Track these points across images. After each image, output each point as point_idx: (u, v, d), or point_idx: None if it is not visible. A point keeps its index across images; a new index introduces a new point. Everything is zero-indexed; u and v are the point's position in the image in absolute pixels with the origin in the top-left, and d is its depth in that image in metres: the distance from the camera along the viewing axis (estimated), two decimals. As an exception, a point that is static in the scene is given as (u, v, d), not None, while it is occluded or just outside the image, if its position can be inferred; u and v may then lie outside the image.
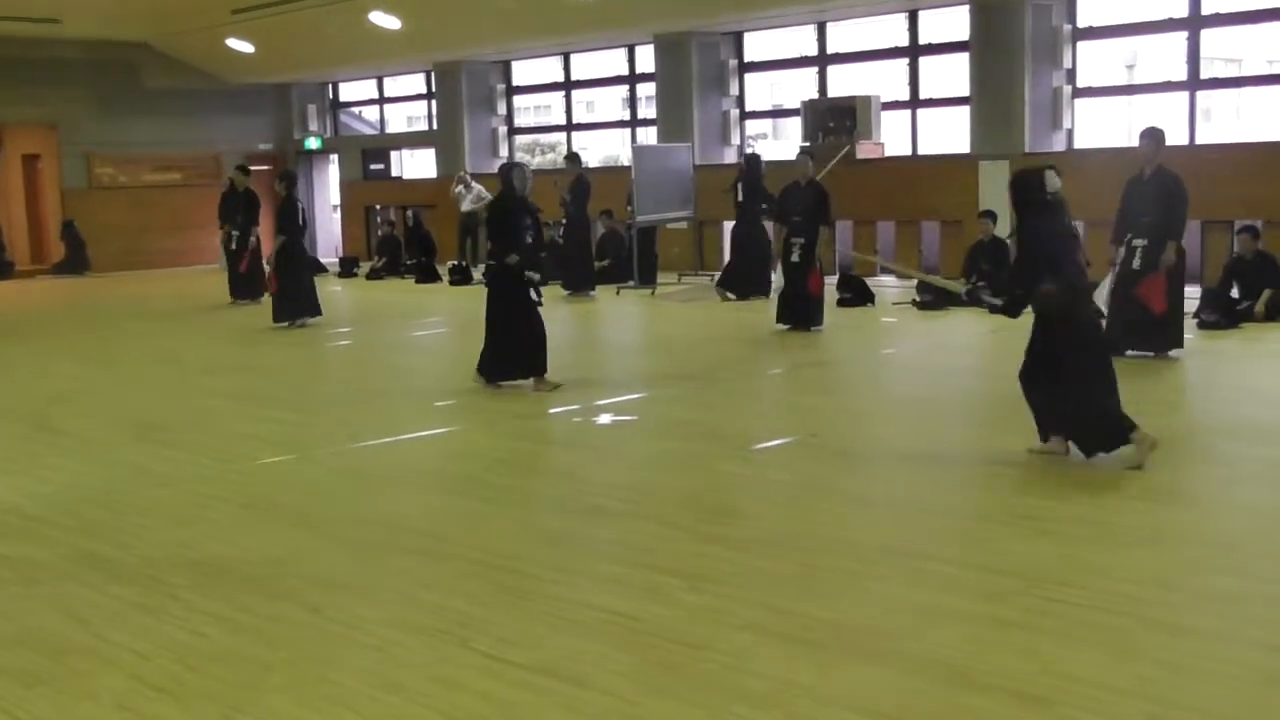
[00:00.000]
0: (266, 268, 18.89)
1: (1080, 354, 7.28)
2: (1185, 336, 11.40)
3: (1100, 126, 19.20)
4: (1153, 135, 11.17)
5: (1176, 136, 17.22)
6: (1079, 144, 18.35)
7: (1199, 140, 17.15)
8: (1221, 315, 12.92)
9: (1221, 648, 4.63)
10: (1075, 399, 7.24)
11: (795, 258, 13.82)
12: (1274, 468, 7.41)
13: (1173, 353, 11.17)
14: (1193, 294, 14.24)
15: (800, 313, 13.85)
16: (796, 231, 13.85)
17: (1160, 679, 4.36)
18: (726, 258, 19.40)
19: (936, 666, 4.52)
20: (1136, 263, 10.98)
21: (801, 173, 14.15)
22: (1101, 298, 11.61)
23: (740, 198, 17.53)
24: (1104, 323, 11.17)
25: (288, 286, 15.72)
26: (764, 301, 16.46)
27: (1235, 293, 13.55)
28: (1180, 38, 17.32)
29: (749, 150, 18.81)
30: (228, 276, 19.42)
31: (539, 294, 10.60)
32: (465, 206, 23.35)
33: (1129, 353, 10.83)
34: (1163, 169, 11.04)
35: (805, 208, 13.86)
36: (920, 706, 4.19)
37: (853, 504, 6.93)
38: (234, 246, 18.91)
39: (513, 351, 10.59)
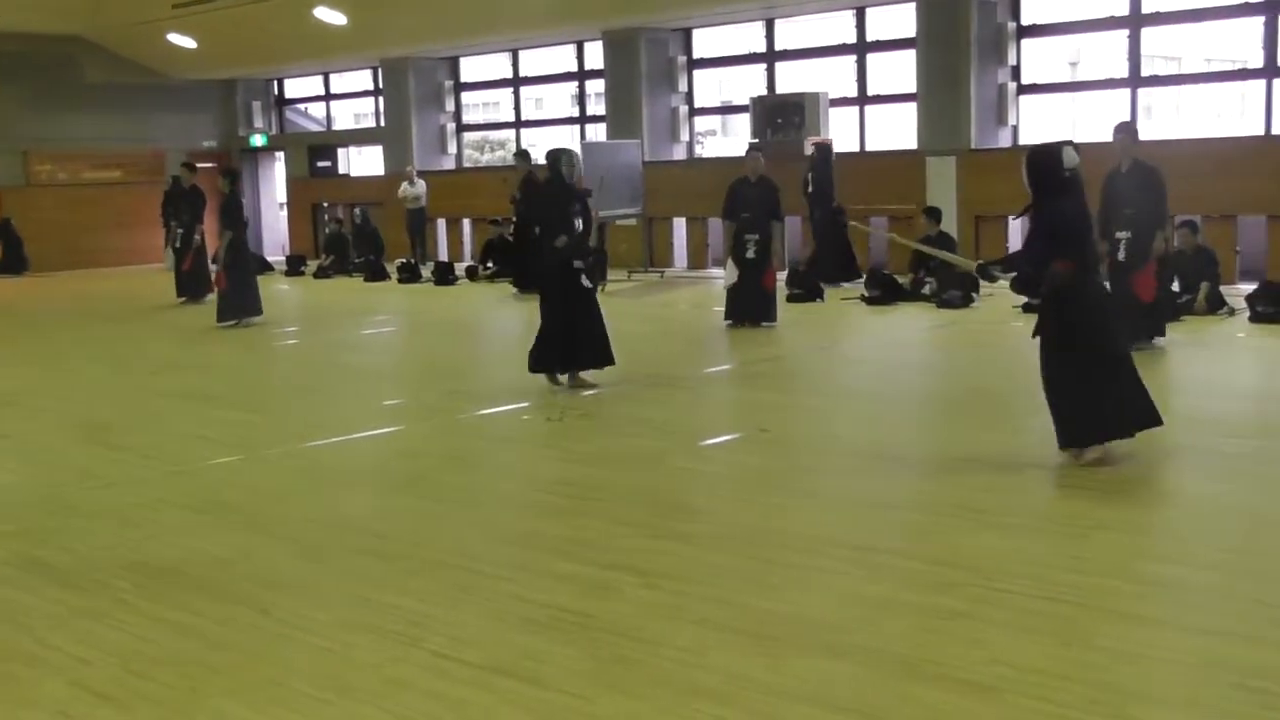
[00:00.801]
0: (214, 267, 18.75)
1: (1072, 349, 7.11)
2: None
3: (1045, 123, 19.37)
4: (1126, 129, 11.32)
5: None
6: (1024, 140, 18.49)
7: (1140, 137, 17.27)
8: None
9: (1162, 634, 4.70)
10: (1056, 389, 7.17)
11: (751, 254, 13.83)
12: (1214, 458, 7.50)
13: (1157, 341, 11.29)
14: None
15: (753, 309, 13.88)
16: (750, 228, 13.87)
17: (1103, 665, 4.41)
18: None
19: (887, 658, 4.55)
20: (1122, 255, 11.10)
21: (751, 169, 14.17)
22: None
23: (810, 189, 17.66)
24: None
25: (234, 285, 15.58)
26: (851, 287, 16.92)
27: (1175, 287, 13.70)
28: (1122, 36, 17.52)
29: (820, 140, 18.71)
30: (174, 275, 19.25)
31: (591, 281, 10.43)
32: (409, 205, 23.27)
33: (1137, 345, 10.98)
34: (1139, 162, 11.16)
35: (756, 204, 13.89)
36: (872, 698, 4.22)
37: (803, 498, 6.95)
38: (178, 245, 18.76)
39: (571, 342, 10.27)
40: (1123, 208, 11.08)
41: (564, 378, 10.38)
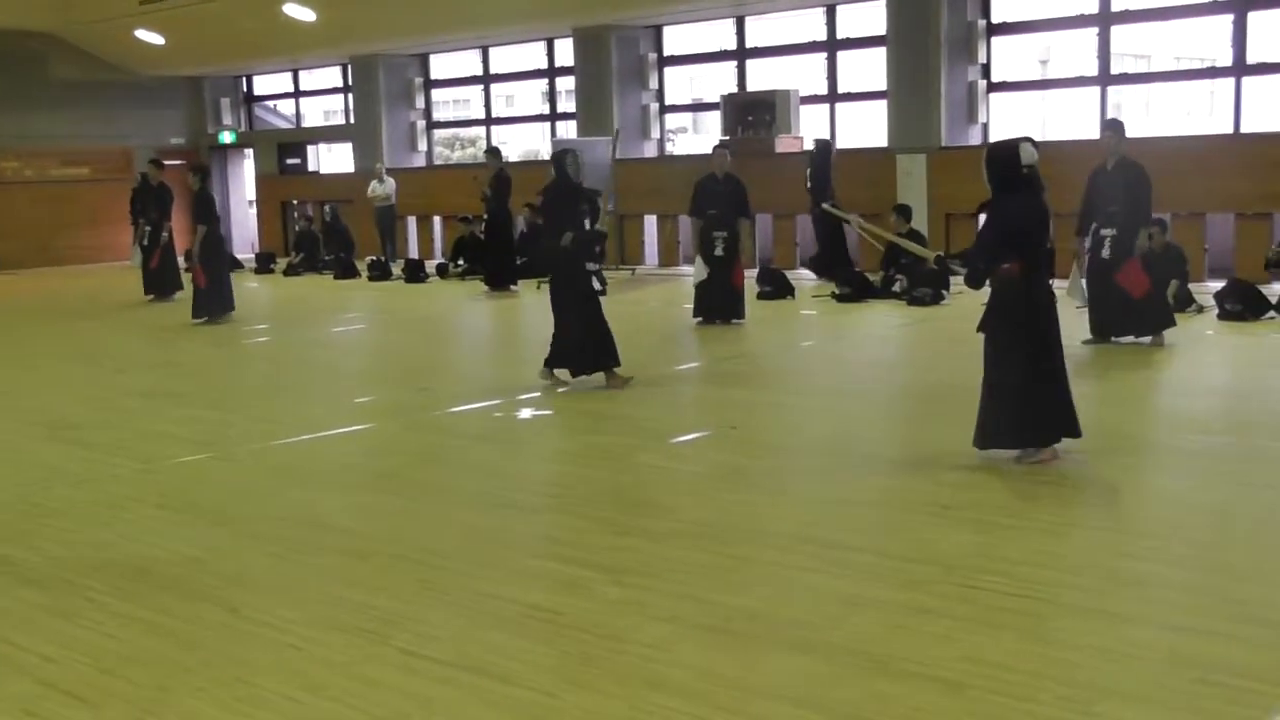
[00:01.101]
0: (182, 262, 18.68)
1: (1018, 349, 7.09)
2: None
3: (1015, 120, 19.46)
4: (1114, 126, 11.38)
5: (1088, 131, 17.55)
6: (994, 138, 18.56)
7: (1127, 134, 17.37)
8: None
9: (1130, 630, 4.72)
10: (1001, 390, 7.16)
11: (719, 251, 13.83)
12: (1182, 455, 7.55)
13: (1166, 333, 11.35)
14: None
15: (721, 306, 13.90)
16: (718, 225, 13.88)
17: (1072, 661, 4.44)
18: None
19: (856, 654, 4.57)
20: (1106, 252, 11.19)
21: (718, 166, 14.17)
22: (1077, 290, 11.80)
23: (810, 185, 17.69)
24: (1084, 312, 11.44)
25: (212, 282, 15.57)
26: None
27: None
28: (1091, 34, 17.62)
29: (819, 138, 18.74)
30: (142, 273, 19.16)
31: (601, 282, 10.31)
32: (379, 203, 23.21)
33: (1115, 339, 11.29)
34: (1125, 159, 11.20)
35: (724, 201, 13.89)
36: (840, 694, 4.23)
37: (772, 495, 6.97)
38: (145, 243, 18.67)
39: (573, 344, 10.20)
40: (1107, 205, 11.14)
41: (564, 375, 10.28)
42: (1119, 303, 11.18)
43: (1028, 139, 7.11)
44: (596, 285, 10.24)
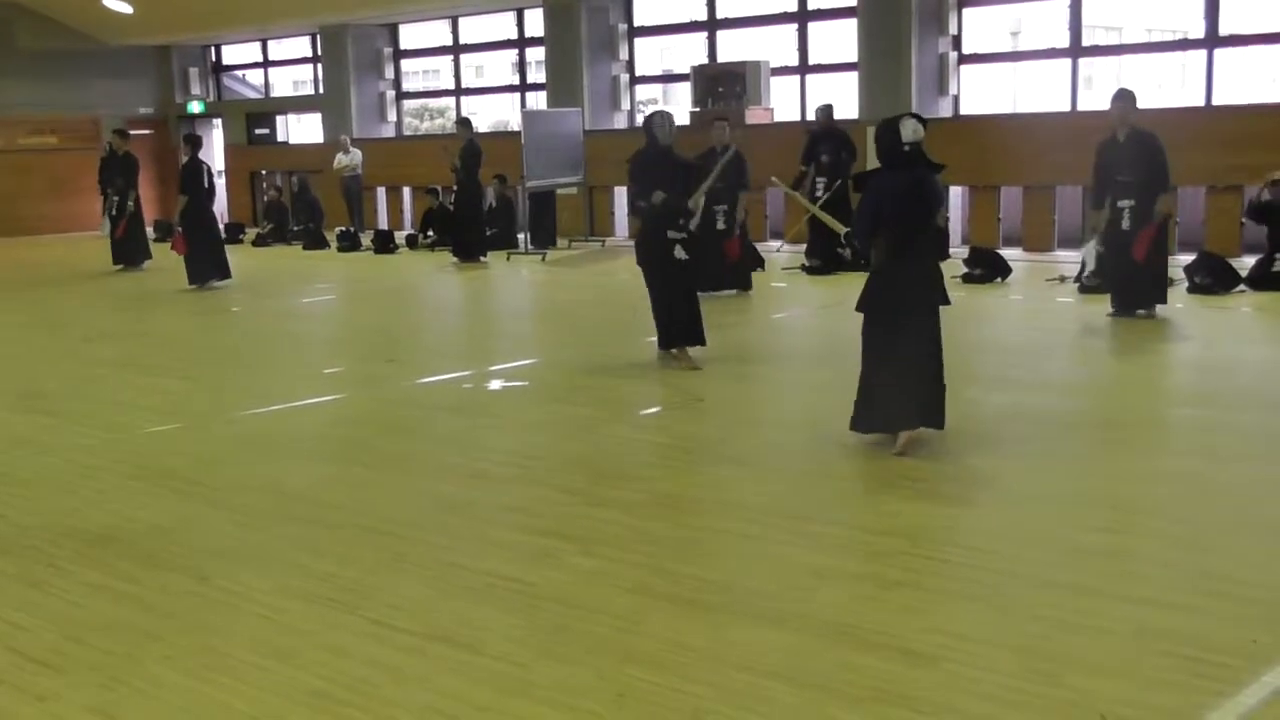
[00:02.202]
0: (151, 232, 18.61)
1: (872, 327, 7.03)
2: (1062, 300, 11.65)
3: (985, 92, 19.47)
4: (1125, 98, 11.21)
5: (1059, 103, 17.60)
6: (965, 110, 18.60)
7: (1080, 107, 17.47)
8: (1104, 279, 13.15)
9: (1098, 603, 4.75)
10: (863, 367, 7.11)
11: (720, 224, 13.64)
12: (1150, 427, 7.60)
13: (1157, 309, 11.38)
14: (1073, 258, 14.56)
15: (716, 276, 13.61)
16: (719, 198, 13.63)
17: (1041, 634, 4.46)
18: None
19: (825, 626, 4.58)
20: (1126, 223, 11.12)
21: (718, 139, 14.03)
22: (1090, 260, 11.80)
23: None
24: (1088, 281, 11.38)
25: (197, 249, 15.63)
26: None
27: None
28: (1063, 5, 17.62)
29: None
30: (109, 242, 19.05)
31: (687, 252, 9.62)
32: (345, 174, 23.07)
33: (1140, 312, 11.27)
34: (1136, 129, 11.12)
35: (724, 174, 13.59)
36: (809, 666, 4.25)
37: (741, 467, 6.98)
38: (114, 212, 18.57)
39: (656, 317, 9.77)
40: (1122, 177, 11.05)
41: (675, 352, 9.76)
42: (1131, 276, 11.17)
43: (914, 116, 6.99)
44: (681, 254, 9.56)
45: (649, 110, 10.03)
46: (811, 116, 18.18)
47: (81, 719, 4.03)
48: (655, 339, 9.87)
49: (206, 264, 15.89)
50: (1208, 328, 11.32)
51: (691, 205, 9.63)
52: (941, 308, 7.05)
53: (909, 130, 6.84)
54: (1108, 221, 11.25)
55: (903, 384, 6.88)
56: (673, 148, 9.77)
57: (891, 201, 6.86)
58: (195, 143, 16.29)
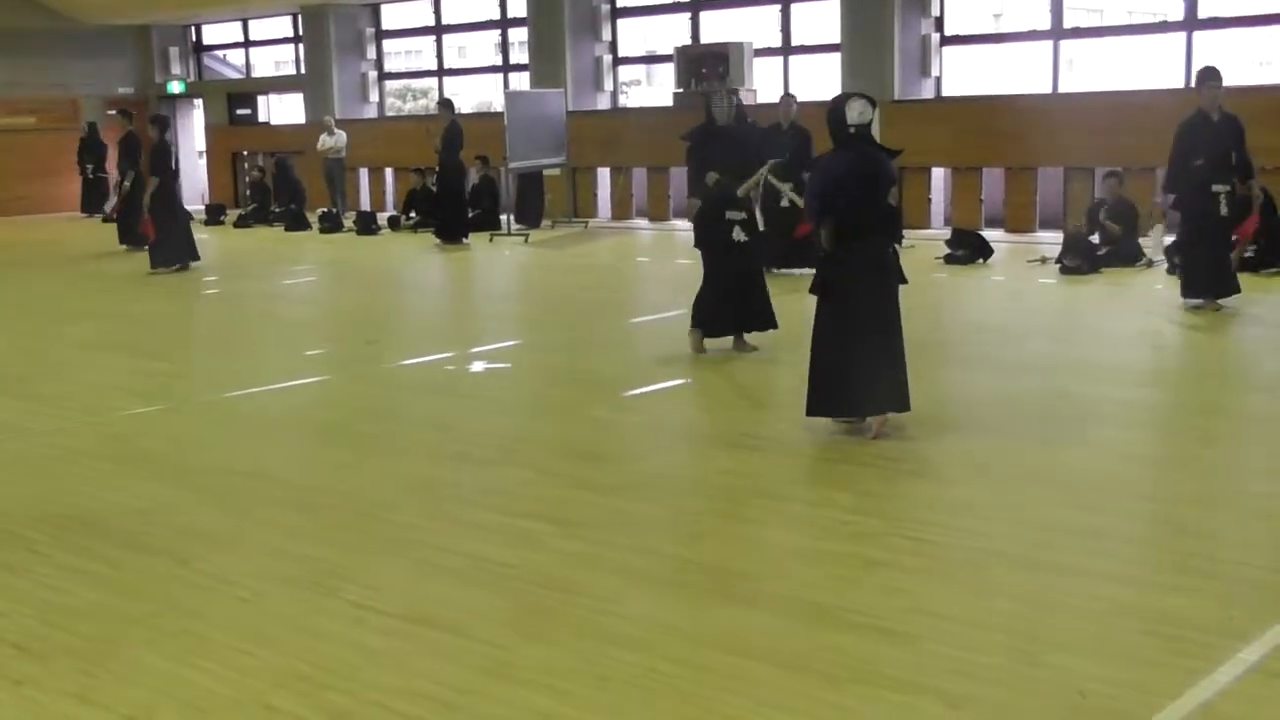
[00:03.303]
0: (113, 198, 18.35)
1: (822, 313, 6.96)
2: (1044, 281, 11.65)
3: (968, 74, 19.46)
4: (1214, 75, 10.59)
5: (1040, 84, 17.61)
6: (947, 91, 18.59)
7: (1062, 89, 17.50)
8: (1083, 260, 13.21)
9: (1074, 581, 4.77)
10: (812, 351, 7.02)
11: (785, 202, 13.35)
12: (1125, 408, 7.62)
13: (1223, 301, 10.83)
14: (1054, 239, 14.61)
15: (784, 255, 13.36)
16: (787, 175, 13.28)
17: (1017, 613, 4.48)
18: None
19: (804, 605, 4.60)
20: (1224, 209, 10.58)
21: (784, 115, 13.91)
22: (1157, 247, 11.64)
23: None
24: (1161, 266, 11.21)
25: (164, 232, 15.51)
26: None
27: (1096, 238, 13.87)
28: (1045, -13, 17.63)
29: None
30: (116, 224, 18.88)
31: (747, 233, 9.11)
32: (330, 156, 22.97)
33: (1221, 301, 10.75)
34: (1225, 110, 10.60)
35: (790, 151, 13.30)
36: (788, 646, 4.26)
37: (722, 448, 6.98)
38: (121, 191, 18.27)
39: (708, 301, 9.31)
40: (1221, 159, 10.48)
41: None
42: (1215, 267, 10.64)
43: (861, 96, 6.86)
44: (740, 236, 9.06)
45: (712, 89, 9.47)
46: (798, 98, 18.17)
47: (60, 704, 4.02)
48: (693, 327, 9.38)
49: (172, 247, 15.68)
50: (1186, 308, 11.34)
51: (740, 193, 9.04)
52: (903, 289, 6.97)
53: (855, 112, 6.74)
54: (1198, 207, 10.53)
55: (860, 368, 6.75)
56: (736, 126, 9.25)
57: (837, 183, 6.77)
58: (163, 124, 16.13)
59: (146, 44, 28.59)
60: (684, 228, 19.43)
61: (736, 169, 9.02)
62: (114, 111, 19.04)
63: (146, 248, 16.09)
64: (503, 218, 19.45)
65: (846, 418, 6.94)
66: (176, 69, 28.94)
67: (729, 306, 9.24)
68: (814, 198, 6.92)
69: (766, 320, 9.30)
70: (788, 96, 14.42)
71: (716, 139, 9.17)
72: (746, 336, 9.31)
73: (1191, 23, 16.51)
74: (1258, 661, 4.05)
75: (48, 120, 26.91)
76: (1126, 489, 6.01)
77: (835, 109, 6.80)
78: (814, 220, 6.94)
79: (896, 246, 7.01)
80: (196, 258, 16.00)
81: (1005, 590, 4.74)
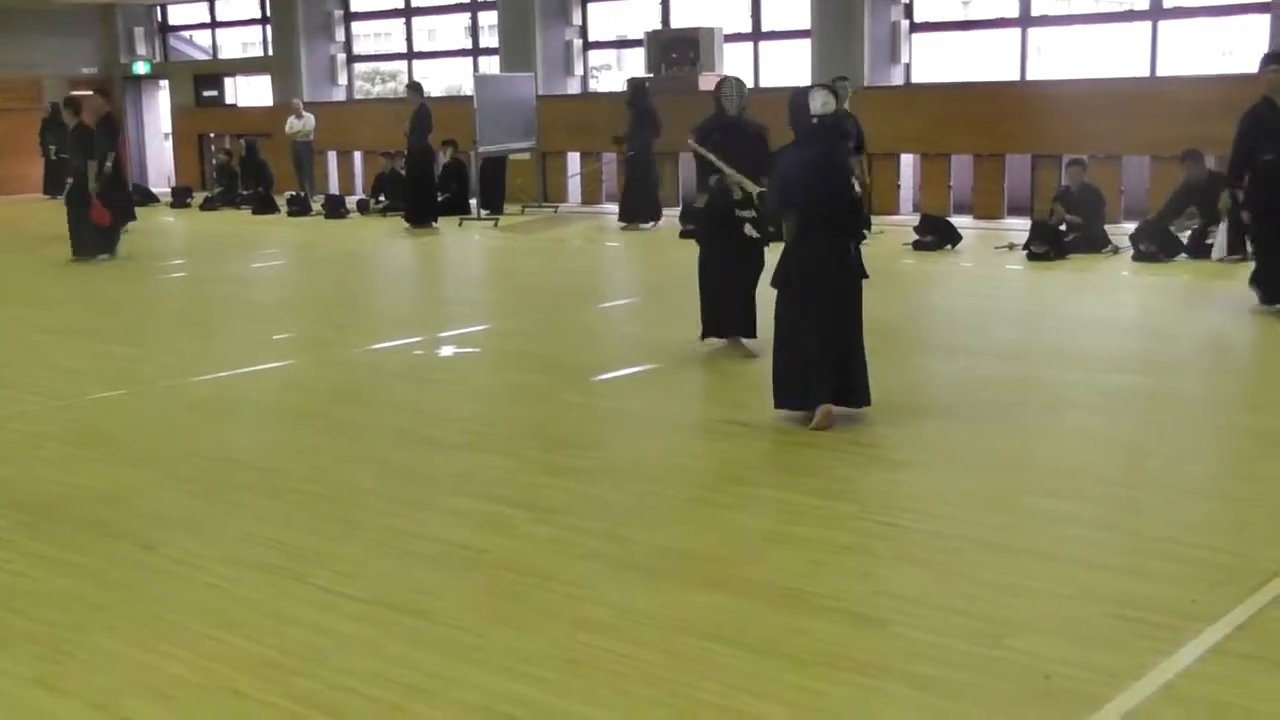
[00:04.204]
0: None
1: (779, 300, 6.93)
2: (1011, 268, 11.69)
3: (937, 61, 19.50)
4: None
5: (1009, 72, 17.66)
6: (916, 78, 18.62)
7: (1030, 76, 17.57)
8: (1050, 246, 13.26)
9: (1043, 566, 4.81)
10: (774, 343, 6.98)
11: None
12: (1094, 393, 7.66)
13: None
14: (1022, 226, 14.67)
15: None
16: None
17: (986, 597, 4.51)
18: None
19: (774, 590, 4.61)
20: None
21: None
22: (1222, 243, 11.47)
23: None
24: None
25: (117, 217, 15.18)
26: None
27: (1063, 226, 13.92)
28: (1014, -25, 17.68)
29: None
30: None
31: (759, 232, 8.52)
32: (299, 139, 22.82)
33: None
34: None
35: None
36: (757, 630, 4.27)
37: (693, 434, 6.99)
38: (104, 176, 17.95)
39: (714, 303, 8.75)
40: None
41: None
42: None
43: (824, 86, 6.78)
44: (751, 233, 8.50)
45: (722, 78, 8.86)
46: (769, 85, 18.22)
47: (24, 691, 3.99)
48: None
49: (118, 231, 15.34)
50: (1151, 295, 11.43)
51: (713, 184, 8.50)
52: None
53: (817, 102, 6.66)
54: (1273, 203, 9.80)
55: (817, 360, 6.70)
56: (743, 117, 8.63)
57: (799, 175, 6.71)
58: (109, 104, 16.04)
59: (111, 24, 28.31)
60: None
61: (750, 165, 8.34)
62: (91, 92, 18.82)
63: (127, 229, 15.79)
64: (472, 202, 19.39)
65: (805, 408, 6.85)
66: (142, 49, 28.66)
67: (724, 307, 8.73)
68: (775, 190, 6.88)
69: (746, 328, 8.70)
70: (843, 81, 13.94)
71: (726, 131, 8.62)
72: (746, 342, 8.75)
73: (1157, 12, 16.60)
74: (1219, 643, 4.10)
75: (10, 100, 26.57)
76: (1092, 474, 6.04)
77: (796, 101, 6.74)
78: (774, 212, 6.90)
79: (864, 238, 6.98)
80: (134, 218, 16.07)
81: (973, 574, 4.76)
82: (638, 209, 17.52)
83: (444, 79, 28.13)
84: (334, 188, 24.18)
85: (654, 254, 15.21)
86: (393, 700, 3.84)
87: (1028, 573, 4.75)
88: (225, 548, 5.20)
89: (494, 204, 19.66)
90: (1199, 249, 12.95)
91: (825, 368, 6.73)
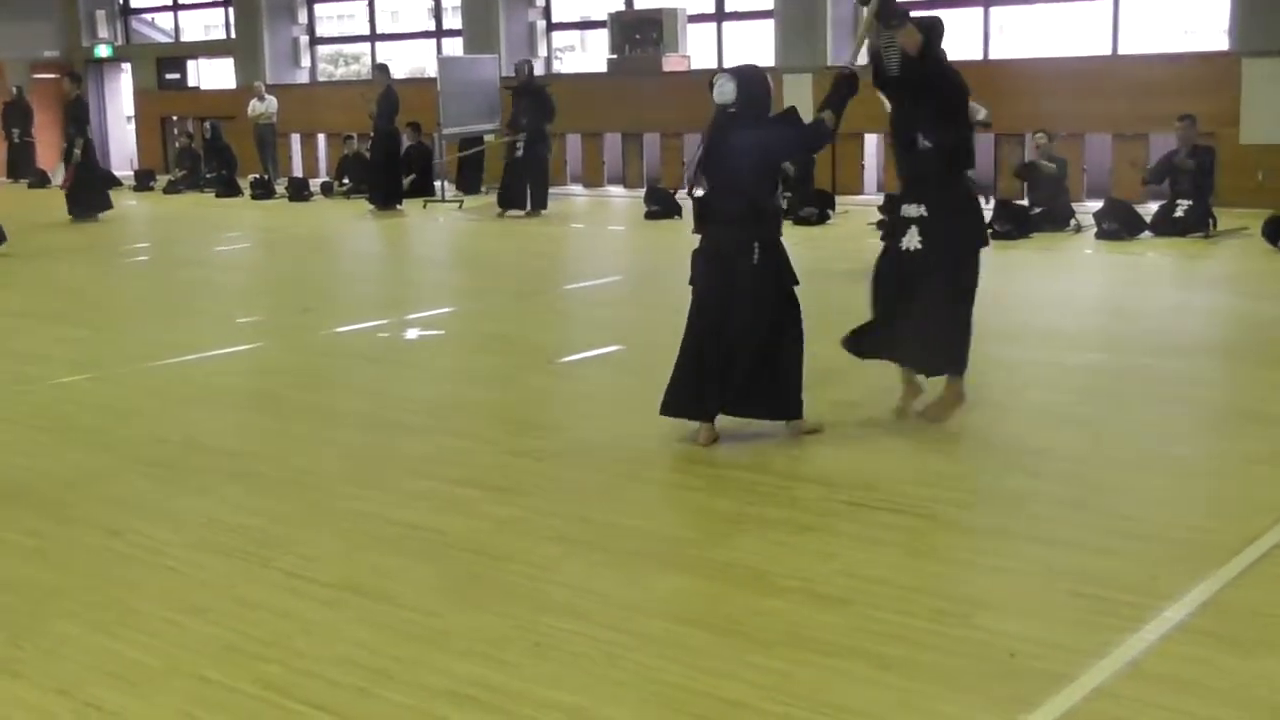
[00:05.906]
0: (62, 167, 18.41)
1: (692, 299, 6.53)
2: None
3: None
4: None
5: (971, 51, 17.69)
6: (881, 58, 18.61)
7: (993, 55, 17.61)
8: (1014, 225, 13.31)
9: (1007, 544, 4.84)
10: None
11: None
12: (1057, 371, 7.71)
13: None
14: (986, 206, 14.70)
15: None
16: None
17: (949, 575, 4.54)
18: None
19: (738, 571, 4.62)
20: None
21: None
22: None
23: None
24: None
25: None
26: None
27: (1026, 201, 13.99)
28: (976, -46, 17.70)
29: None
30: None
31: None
32: (261, 122, 22.68)
33: None
34: None
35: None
36: (722, 610, 4.28)
37: (657, 415, 6.98)
38: (67, 160, 17.80)
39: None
40: None
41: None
42: None
43: (727, 72, 6.30)
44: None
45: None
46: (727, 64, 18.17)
47: (-13, 676, 3.97)
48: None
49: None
50: (1114, 273, 11.49)
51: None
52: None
53: (716, 92, 6.23)
54: None
55: (709, 368, 6.25)
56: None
57: (704, 159, 6.30)
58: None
59: (73, 6, 28.03)
60: (618, 194, 19.45)
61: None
62: (64, 76, 19.05)
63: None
64: (436, 184, 19.31)
65: (695, 419, 6.30)
66: (104, 32, 28.40)
67: (707, 379, 8.28)
68: (690, 167, 6.51)
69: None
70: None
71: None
72: None
73: (1121, -10, 16.67)
74: (1183, 620, 4.13)
75: (-31, 84, 26.34)
76: (1056, 452, 6.08)
77: (710, 85, 6.31)
78: (689, 190, 6.51)
79: (778, 236, 6.52)
80: (110, 206, 17.04)
81: (937, 553, 4.79)
82: (515, 196, 17.04)
83: (408, 61, 28.00)
84: (298, 170, 24.04)
85: (621, 236, 15.20)
86: (357, 684, 3.83)
87: (991, 551, 4.78)
88: (189, 532, 5.18)
89: (471, 186, 19.61)
90: (1164, 224, 13.01)
91: (713, 383, 6.23)
